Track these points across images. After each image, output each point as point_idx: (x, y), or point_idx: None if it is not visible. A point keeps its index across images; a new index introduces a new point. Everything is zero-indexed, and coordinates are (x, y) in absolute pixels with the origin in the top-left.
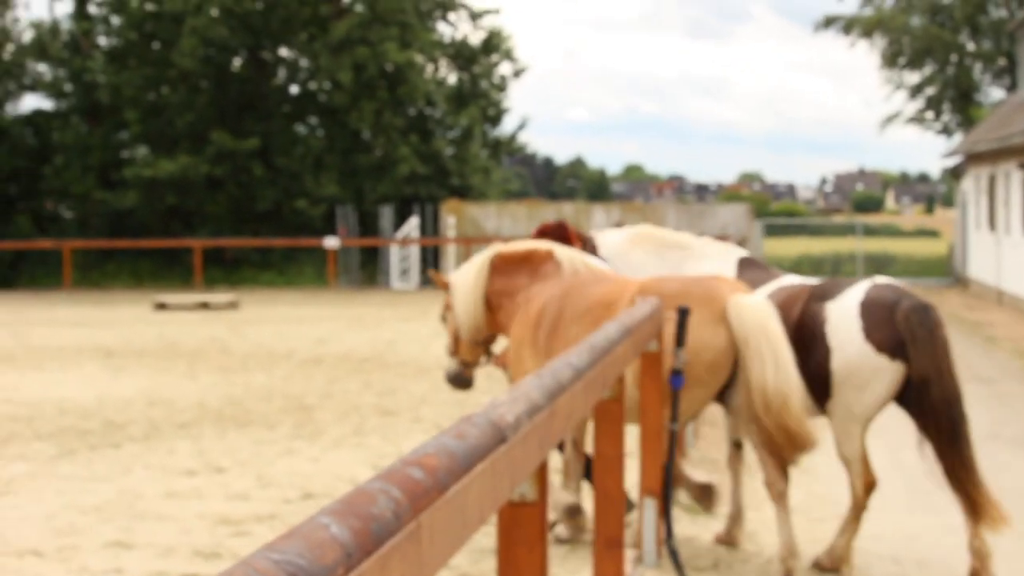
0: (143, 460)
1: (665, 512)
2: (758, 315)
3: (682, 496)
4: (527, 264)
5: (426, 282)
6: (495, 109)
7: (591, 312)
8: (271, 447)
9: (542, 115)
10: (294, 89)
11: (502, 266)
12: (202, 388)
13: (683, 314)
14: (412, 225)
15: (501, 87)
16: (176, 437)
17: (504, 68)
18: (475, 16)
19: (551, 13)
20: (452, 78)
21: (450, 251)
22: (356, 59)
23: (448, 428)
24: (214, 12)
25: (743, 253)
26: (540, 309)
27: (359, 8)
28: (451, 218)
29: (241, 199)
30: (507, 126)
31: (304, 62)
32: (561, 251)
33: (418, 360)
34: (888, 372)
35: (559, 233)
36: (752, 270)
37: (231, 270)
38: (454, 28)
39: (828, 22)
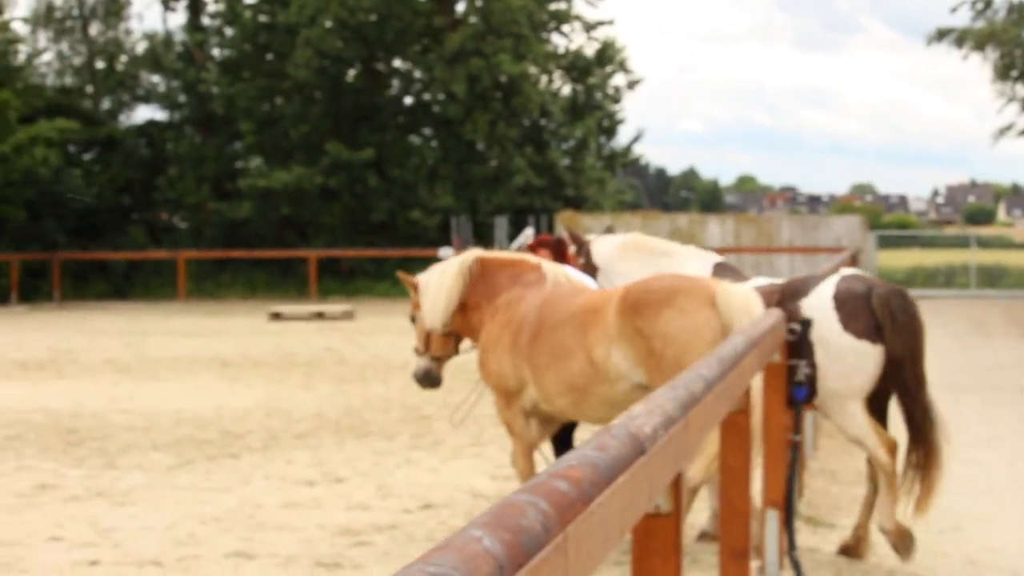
0: (262, 470)
1: (787, 523)
2: (743, 300)
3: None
4: (509, 270)
5: None
6: (610, 121)
7: (576, 318)
8: (390, 457)
9: (655, 126)
10: (408, 100)
11: (483, 271)
12: (319, 398)
13: (805, 325)
14: (527, 236)
15: (616, 98)
16: (294, 447)
17: (618, 80)
18: (589, 28)
19: (663, 26)
20: (566, 89)
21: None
22: (470, 70)
23: (588, 440)
24: (328, 24)
25: (719, 259)
26: (522, 315)
27: (473, 20)
28: (565, 230)
29: (356, 210)
30: (622, 138)
31: (418, 73)
32: (548, 265)
33: None
34: (872, 356)
35: (557, 249)
36: (725, 272)
37: (346, 281)
38: (568, 40)
39: (940, 35)
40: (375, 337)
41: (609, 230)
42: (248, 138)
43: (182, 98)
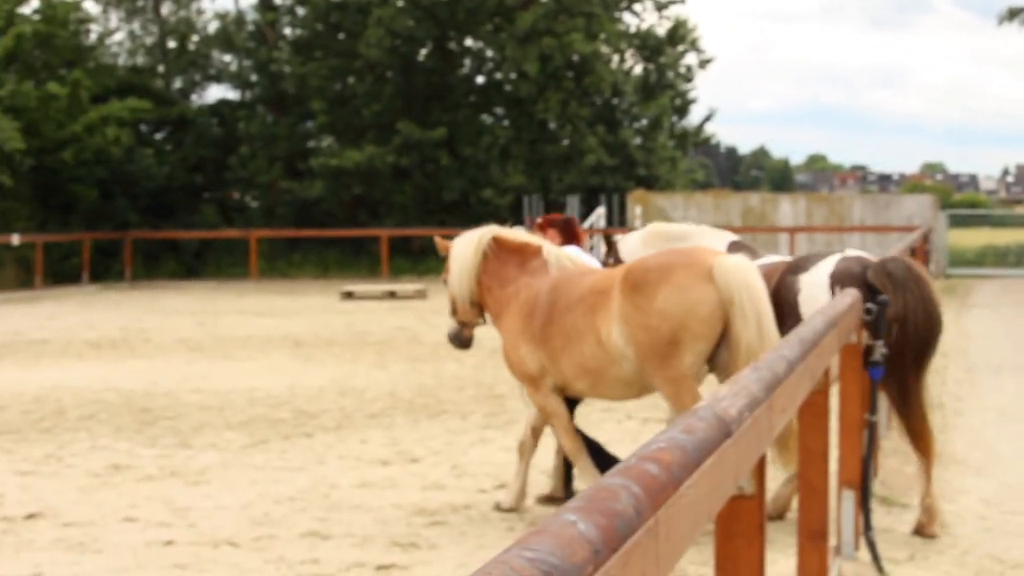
0: (336, 450)
1: (864, 504)
2: (742, 274)
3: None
4: (518, 255)
5: None
6: (682, 100)
7: (585, 300)
8: (464, 436)
9: (725, 105)
10: (480, 79)
11: (498, 250)
12: (392, 377)
13: (882, 305)
14: (598, 215)
15: (688, 78)
16: (368, 427)
17: (690, 59)
18: (661, 7)
19: (733, 5)
20: (638, 69)
21: None
22: (542, 49)
23: (675, 422)
24: (400, 3)
25: (733, 237)
26: (532, 302)
27: None
28: (637, 208)
29: (427, 188)
30: (693, 117)
31: (490, 52)
32: (549, 248)
33: None
34: None
35: (567, 228)
36: (739, 250)
37: (417, 260)
38: (640, 19)
39: (1012, 14)
40: (447, 316)
41: (639, 217)
42: (320, 117)
43: (254, 77)
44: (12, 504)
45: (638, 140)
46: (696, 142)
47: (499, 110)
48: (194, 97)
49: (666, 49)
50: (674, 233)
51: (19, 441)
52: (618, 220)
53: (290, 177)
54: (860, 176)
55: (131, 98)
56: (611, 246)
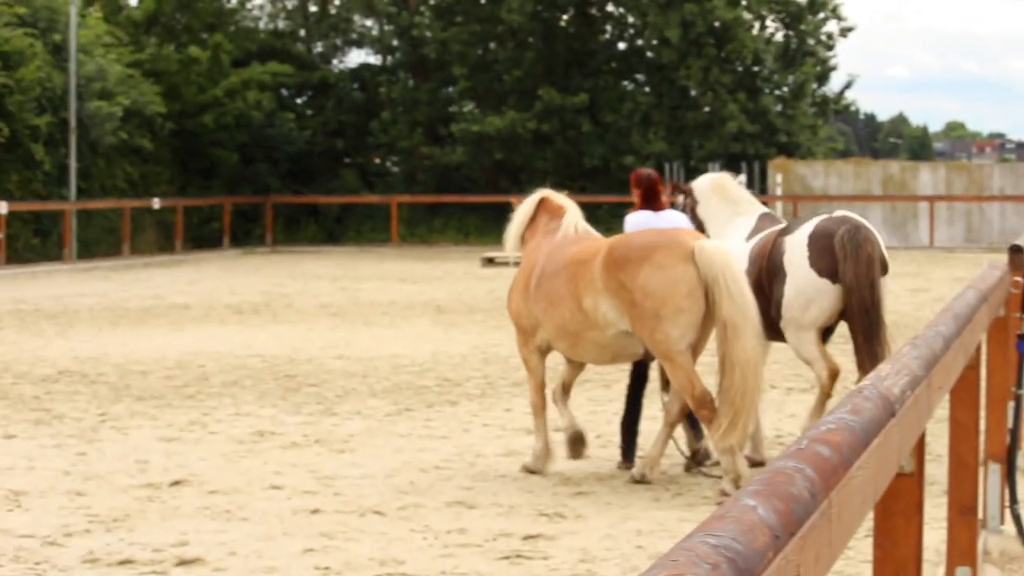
0: (480, 418)
1: (1009, 477)
2: (722, 256)
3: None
4: (547, 216)
5: None
6: (822, 67)
7: (567, 269)
8: (608, 406)
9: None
10: (621, 45)
11: (540, 211)
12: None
13: None
14: (739, 182)
15: (829, 45)
16: (512, 395)
17: (830, 26)
18: None
19: None
20: (779, 36)
21: (777, 209)
22: (684, 16)
23: (842, 402)
24: None
25: (765, 209)
26: (535, 260)
27: None
28: (778, 176)
29: (569, 155)
30: (833, 84)
31: (631, 18)
32: (570, 214)
33: None
34: (828, 294)
35: (648, 184)
36: (767, 220)
37: None
38: None
39: None
40: None
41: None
42: (461, 83)
43: (395, 42)
44: (157, 471)
45: (779, 107)
46: (836, 109)
47: (640, 76)
48: (335, 62)
49: (807, 16)
50: (732, 194)
51: (163, 407)
52: (758, 187)
53: (431, 142)
54: (998, 144)
55: (272, 62)
56: (687, 193)
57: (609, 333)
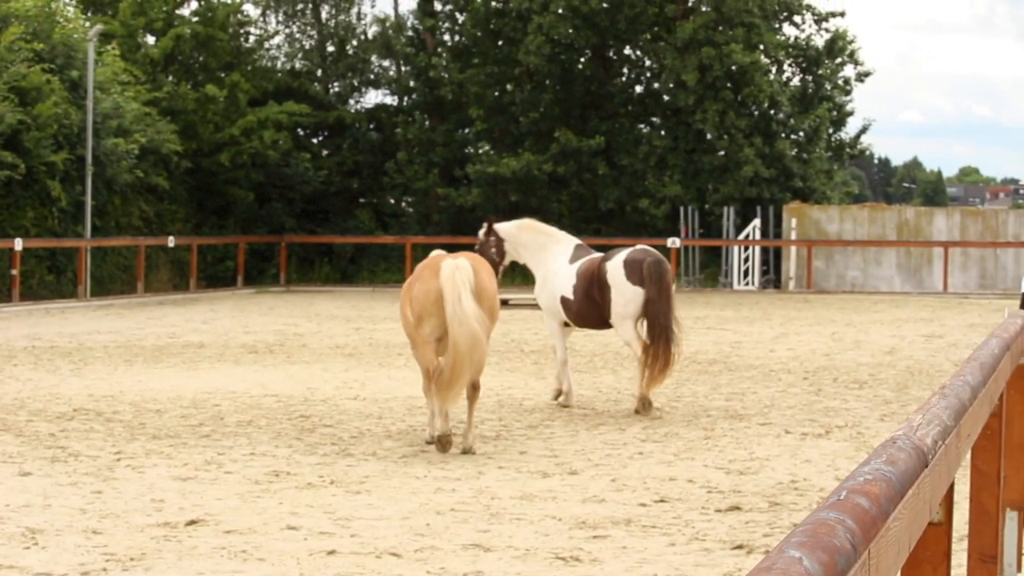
0: (496, 460)
1: None
2: (449, 271)
3: None
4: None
5: (767, 284)
6: (838, 112)
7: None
8: (623, 449)
9: (876, 117)
10: (638, 88)
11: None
12: (550, 388)
13: None
14: (753, 227)
15: (846, 90)
16: (527, 437)
17: (847, 71)
18: (820, 19)
19: (882, 17)
20: (796, 80)
21: (791, 253)
22: (701, 59)
23: (876, 452)
24: (560, 10)
25: (578, 241)
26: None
27: (705, 8)
28: (793, 220)
29: (584, 197)
30: (848, 129)
31: (648, 62)
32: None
33: (764, 363)
34: (639, 295)
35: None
36: (581, 249)
37: None
38: (799, 30)
39: None
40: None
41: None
42: (478, 124)
43: (412, 83)
44: (173, 510)
45: (794, 151)
46: (852, 154)
47: (656, 119)
48: (352, 102)
49: (824, 61)
50: (542, 229)
51: (178, 446)
52: (773, 232)
53: (447, 184)
54: (1012, 190)
55: (289, 102)
56: (490, 230)
57: (423, 331)
